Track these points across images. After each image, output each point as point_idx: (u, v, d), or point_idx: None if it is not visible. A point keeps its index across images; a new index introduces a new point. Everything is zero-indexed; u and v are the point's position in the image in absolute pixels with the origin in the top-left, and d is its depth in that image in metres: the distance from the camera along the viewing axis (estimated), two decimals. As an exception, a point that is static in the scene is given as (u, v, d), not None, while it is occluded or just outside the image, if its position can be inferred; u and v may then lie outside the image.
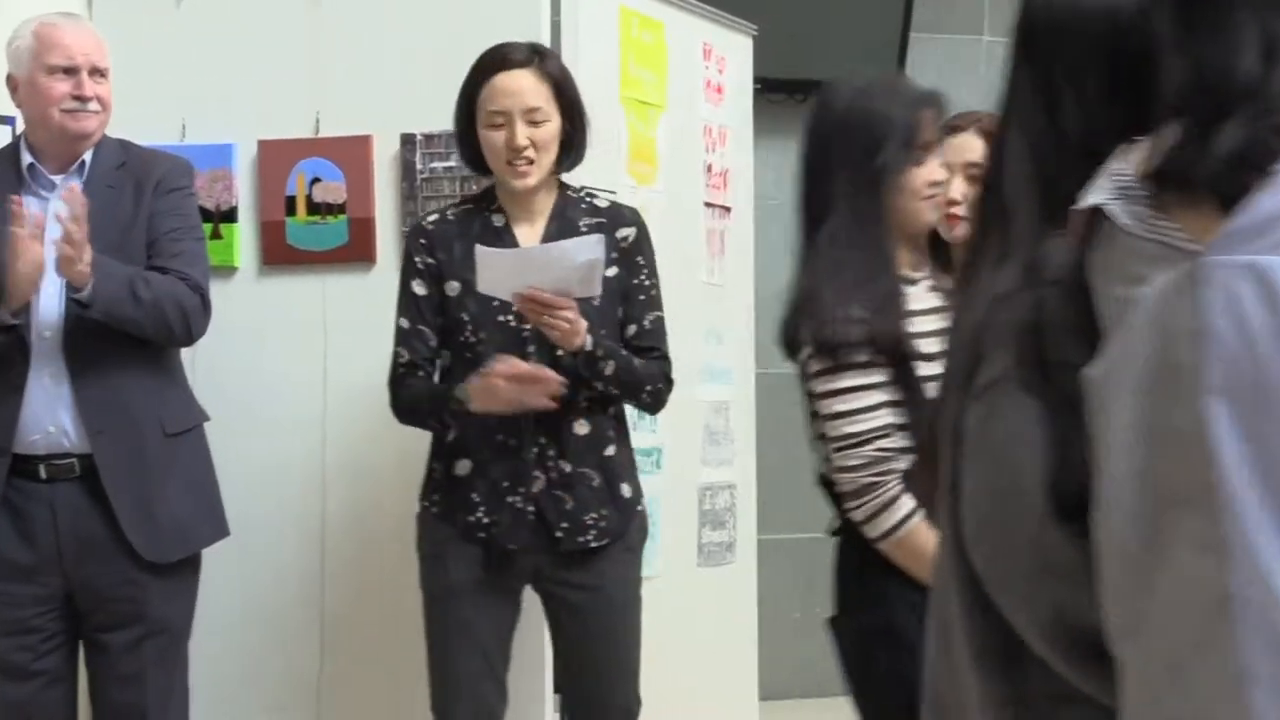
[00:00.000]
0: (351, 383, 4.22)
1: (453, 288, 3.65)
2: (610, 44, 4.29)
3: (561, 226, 3.70)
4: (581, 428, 3.64)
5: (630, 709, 3.74)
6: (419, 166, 4.19)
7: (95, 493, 3.69)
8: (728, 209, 4.78)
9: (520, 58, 3.68)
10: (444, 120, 4.11)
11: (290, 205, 4.27)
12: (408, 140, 4.20)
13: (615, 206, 3.79)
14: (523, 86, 3.65)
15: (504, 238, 3.69)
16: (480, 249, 3.52)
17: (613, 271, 3.66)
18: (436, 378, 3.73)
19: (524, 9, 4.14)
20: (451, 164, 4.14)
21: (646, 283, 3.74)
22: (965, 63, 7.37)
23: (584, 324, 3.52)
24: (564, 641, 3.76)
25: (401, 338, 3.70)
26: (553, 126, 3.66)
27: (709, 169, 4.70)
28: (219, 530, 3.93)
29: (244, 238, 4.30)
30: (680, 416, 4.42)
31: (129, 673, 3.77)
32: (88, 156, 3.81)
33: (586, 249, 3.50)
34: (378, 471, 4.19)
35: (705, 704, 4.57)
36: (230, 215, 4.30)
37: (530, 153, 3.63)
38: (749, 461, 4.87)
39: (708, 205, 4.67)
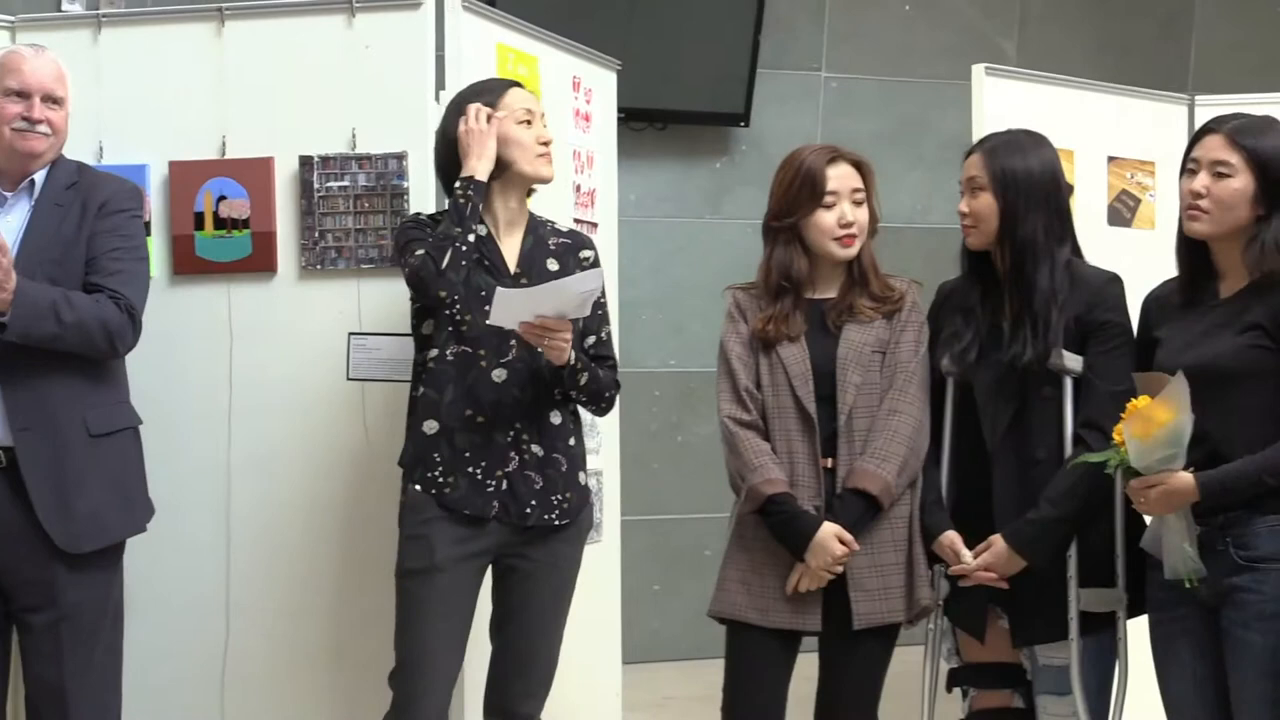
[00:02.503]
0: (255, 381, 4.21)
1: None
2: (488, 77, 4.29)
3: (535, 240, 3.76)
4: (555, 418, 3.69)
5: (550, 672, 3.77)
6: (316, 185, 4.18)
7: (17, 485, 3.65)
8: (594, 224, 4.80)
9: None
10: (339, 143, 4.14)
11: (199, 220, 4.24)
12: (306, 162, 4.19)
13: (574, 231, 3.89)
14: (534, 99, 3.81)
15: (486, 244, 3.69)
16: (500, 289, 3.52)
17: None
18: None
19: (411, 44, 4.16)
20: (345, 183, 4.15)
21: (602, 299, 3.78)
22: (806, 96, 7.46)
23: (570, 340, 3.58)
24: (510, 607, 3.75)
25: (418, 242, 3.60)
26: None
27: (578, 189, 4.72)
28: (134, 525, 3.87)
29: (156, 250, 4.26)
30: (552, 411, 4.46)
31: (48, 651, 3.72)
32: (40, 176, 3.77)
33: (589, 281, 3.55)
34: (280, 464, 4.18)
35: (575, 667, 4.57)
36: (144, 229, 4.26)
37: (549, 150, 3.76)
38: (614, 451, 4.90)
39: (576, 221, 4.68)
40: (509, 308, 3.49)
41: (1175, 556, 3.35)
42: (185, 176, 4.25)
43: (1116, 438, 3.37)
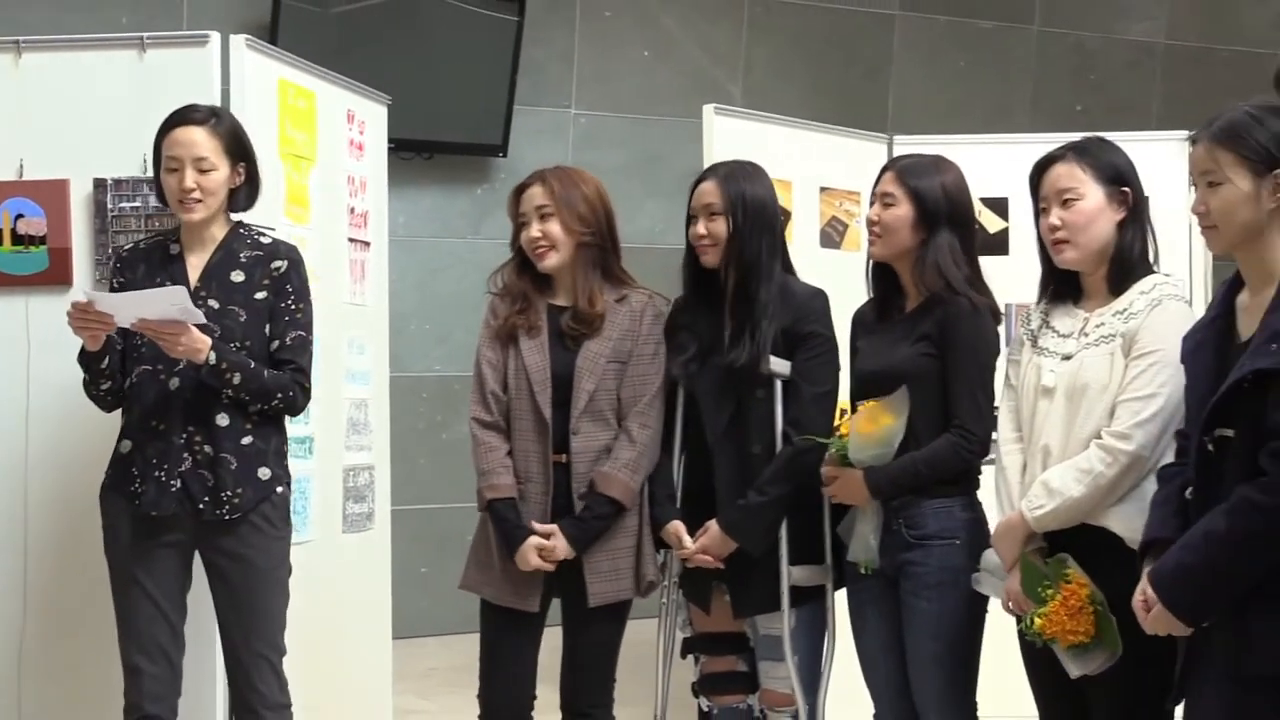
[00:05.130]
0: (51, 384, 4.09)
1: None
2: (270, 109, 4.24)
3: (225, 256, 3.65)
4: (222, 420, 3.57)
5: (270, 655, 3.64)
6: (109, 206, 4.08)
7: None
8: (367, 243, 4.77)
9: (198, 116, 3.63)
10: (131, 167, 4.05)
11: (-2, 236, 4.12)
12: (100, 184, 4.09)
13: (275, 243, 3.73)
14: (194, 139, 3.60)
15: (175, 263, 3.64)
16: (88, 292, 3.50)
17: (262, 295, 3.63)
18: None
19: (199, 77, 4.09)
20: (138, 204, 4.06)
21: (291, 306, 3.66)
22: (557, 130, 7.51)
23: (206, 342, 3.48)
24: (217, 599, 3.65)
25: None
26: (219, 175, 3.61)
27: (352, 211, 4.68)
28: None
29: (-43, 264, 4.14)
30: (328, 411, 4.41)
31: None
32: None
33: (169, 295, 3.45)
34: (77, 460, 4.06)
35: (349, 643, 4.56)
36: (-56, 245, 4.13)
37: (197, 194, 3.58)
38: (384, 447, 4.86)
39: (351, 240, 4.65)
40: (112, 309, 3.47)
41: (859, 544, 3.50)
42: (-16, 196, 4.12)
43: (843, 429, 3.48)
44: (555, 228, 3.67)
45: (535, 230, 3.68)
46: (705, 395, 3.67)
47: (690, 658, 3.83)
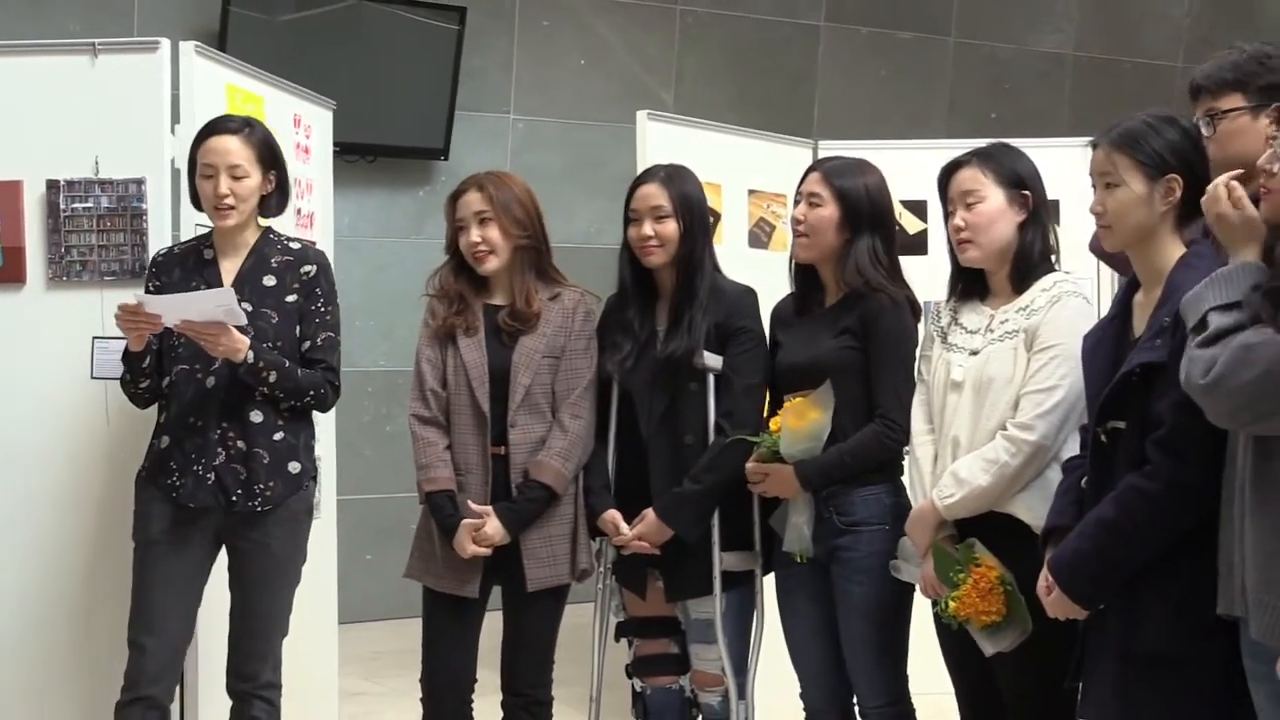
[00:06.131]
0: (4, 379, 4.06)
1: None
2: (219, 113, 4.22)
3: (256, 261, 3.69)
4: (256, 416, 3.61)
5: (274, 639, 3.70)
6: (62, 206, 4.06)
7: None
8: (313, 243, 4.75)
9: (232, 126, 3.68)
10: (84, 169, 4.03)
11: (-48, 236, 4.08)
12: (53, 185, 4.07)
13: (304, 248, 3.78)
14: (229, 147, 3.62)
15: (210, 268, 3.68)
16: (142, 296, 3.54)
17: (293, 298, 3.67)
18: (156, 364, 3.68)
19: (149, 82, 4.09)
20: (89, 205, 4.05)
21: (322, 308, 3.71)
22: (496, 135, 7.51)
23: (245, 342, 3.52)
24: (234, 582, 3.69)
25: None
26: (251, 182, 3.64)
27: (299, 212, 4.67)
28: None
29: (-87, 262, 4.10)
30: (277, 405, 4.40)
31: None
32: None
33: (215, 297, 3.52)
34: (29, 453, 4.04)
35: (297, 627, 4.54)
36: (-100, 244, 4.09)
37: (230, 200, 3.61)
38: (330, 439, 4.86)
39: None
40: (160, 310, 3.50)
41: (793, 534, 3.52)
42: (-60, 197, 4.08)
43: (773, 425, 3.50)
44: (494, 233, 3.68)
45: (475, 235, 3.68)
46: (640, 389, 3.69)
47: (624, 641, 3.86)
